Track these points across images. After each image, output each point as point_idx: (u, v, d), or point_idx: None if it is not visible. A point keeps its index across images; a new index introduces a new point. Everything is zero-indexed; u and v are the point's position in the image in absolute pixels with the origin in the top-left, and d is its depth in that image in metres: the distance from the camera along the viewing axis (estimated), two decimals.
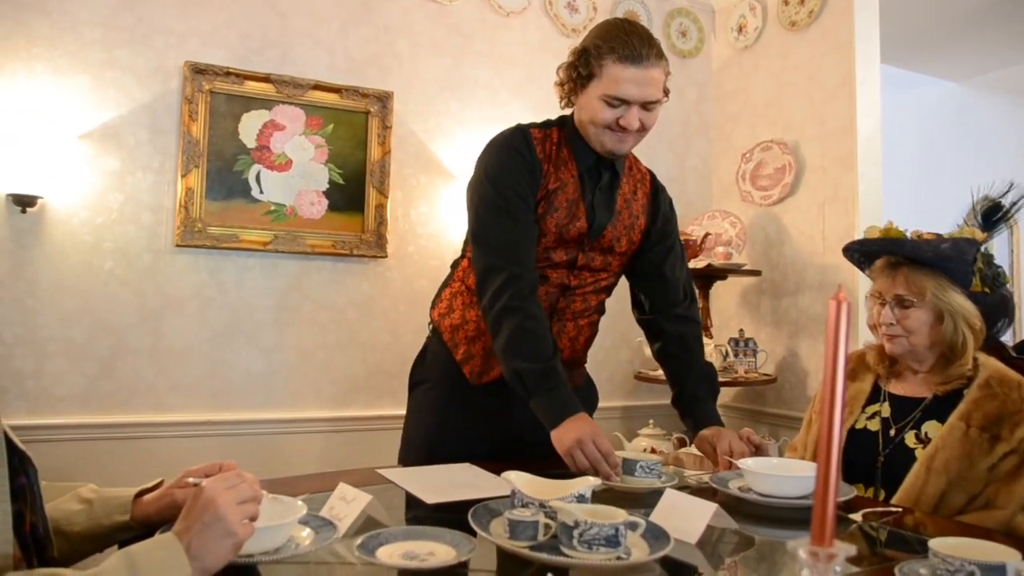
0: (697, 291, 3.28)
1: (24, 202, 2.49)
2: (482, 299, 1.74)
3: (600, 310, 1.98)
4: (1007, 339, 2.00)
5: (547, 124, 1.86)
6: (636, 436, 3.17)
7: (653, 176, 1.99)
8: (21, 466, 0.98)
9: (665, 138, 3.72)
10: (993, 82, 5.00)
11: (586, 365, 2.04)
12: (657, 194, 1.96)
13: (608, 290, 1.97)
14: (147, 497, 1.17)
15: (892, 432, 1.76)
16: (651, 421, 3.22)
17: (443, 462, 1.74)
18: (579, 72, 1.76)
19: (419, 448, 1.89)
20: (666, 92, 1.77)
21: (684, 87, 3.78)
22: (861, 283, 2.97)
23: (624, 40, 1.70)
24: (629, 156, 1.93)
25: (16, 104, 2.53)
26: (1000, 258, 4.94)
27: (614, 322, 3.53)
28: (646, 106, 1.73)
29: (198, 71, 2.79)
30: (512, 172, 1.76)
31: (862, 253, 1.90)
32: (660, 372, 3.26)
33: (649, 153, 3.67)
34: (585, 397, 1.91)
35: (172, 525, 0.97)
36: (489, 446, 1.82)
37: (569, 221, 1.78)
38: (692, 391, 1.90)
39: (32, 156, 2.46)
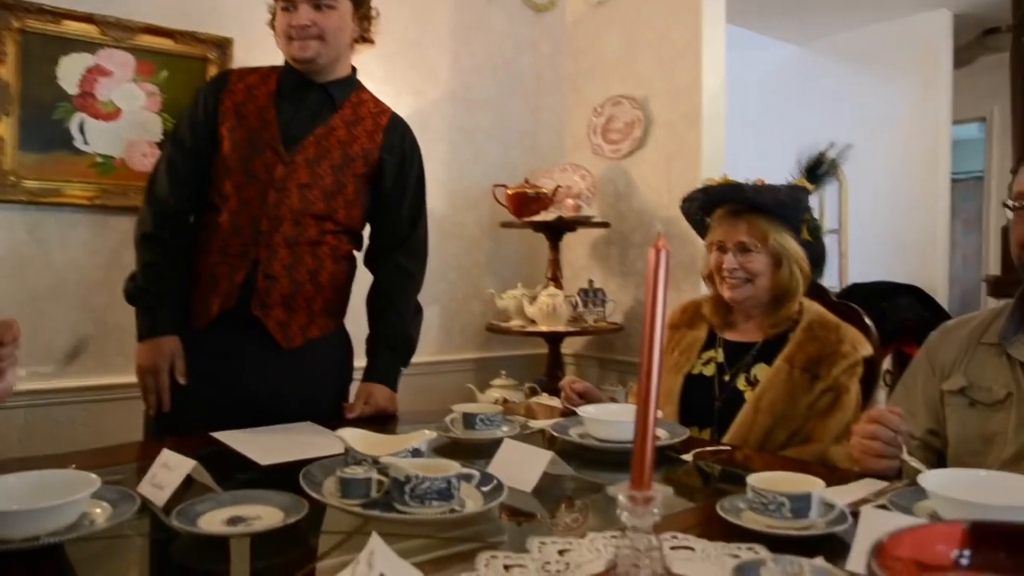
0: (548, 243, 3.37)
1: None
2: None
3: (340, 251, 2.00)
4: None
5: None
6: (488, 387, 3.19)
7: (395, 115, 2.08)
8: None
9: (519, 92, 3.70)
10: (832, 46, 5.26)
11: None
12: (395, 129, 2.05)
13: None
14: None
15: (727, 377, 1.84)
16: (503, 372, 3.24)
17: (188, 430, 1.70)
18: (271, 4, 1.99)
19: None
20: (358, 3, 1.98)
21: (538, 41, 3.76)
22: None
23: None
24: (364, 92, 2.06)
25: None
26: (830, 209, 5.25)
27: (465, 274, 3.55)
28: (316, 5, 1.89)
29: (4, 6, 2.48)
30: (188, 111, 2.00)
31: (704, 201, 1.97)
32: (512, 323, 3.29)
33: (503, 107, 3.65)
34: (332, 350, 2.03)
35: None
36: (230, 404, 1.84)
37: (261, 126, 1.92)
38: (374, 345, 2.04)
39: None
